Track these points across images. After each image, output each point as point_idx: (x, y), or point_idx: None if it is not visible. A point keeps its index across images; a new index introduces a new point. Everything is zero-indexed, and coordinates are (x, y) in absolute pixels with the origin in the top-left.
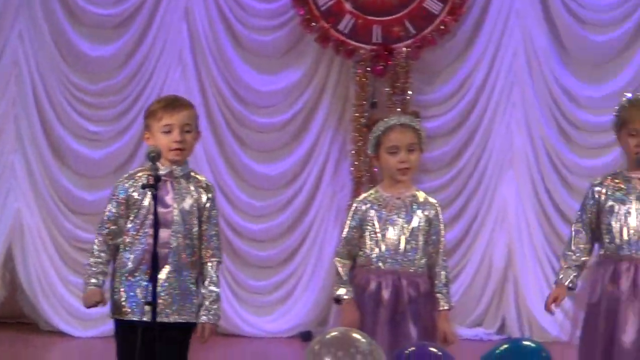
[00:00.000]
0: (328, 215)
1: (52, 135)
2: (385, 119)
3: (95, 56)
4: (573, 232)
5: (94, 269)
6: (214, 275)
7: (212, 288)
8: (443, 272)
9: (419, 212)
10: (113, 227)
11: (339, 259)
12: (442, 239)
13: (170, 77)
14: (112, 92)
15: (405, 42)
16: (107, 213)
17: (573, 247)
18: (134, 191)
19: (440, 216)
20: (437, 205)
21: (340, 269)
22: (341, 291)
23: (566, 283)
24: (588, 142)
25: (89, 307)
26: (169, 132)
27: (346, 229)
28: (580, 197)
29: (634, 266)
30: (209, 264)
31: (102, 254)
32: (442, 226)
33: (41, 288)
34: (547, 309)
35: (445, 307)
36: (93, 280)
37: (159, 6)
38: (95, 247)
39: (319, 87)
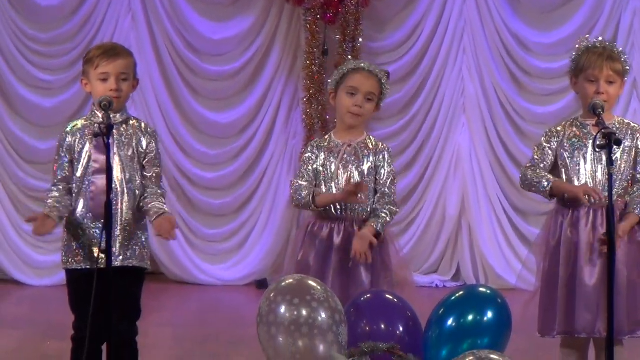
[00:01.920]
0: (281, 162)
1: (3, 84)
2: (357, 60)
3: (45, 5)
4: (530, 167)
5: (50, 203)
6: (160, 205)
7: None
8: (387, 207)
9: (370, 157)
10: (67, 173)
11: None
12: (388, 176)
13: (120, 26)
14: (63, 40)
15: None
16: (58, 162)
17: (537, 171)
18: (75, 140)
19: (388, 158)
20: (386, 148)
21: (305, 199)
22: (312, 192)
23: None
24: (539, 88)
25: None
26: (105, 79)
27: (302, 175)
28: (532, 143)
29: (593, 211)
30: (151, 197)
31: (58, 195)
32: (387, 167)
33: None
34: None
35: (373, 225)
36: (48, 211)
37: None
38: (54, 192)
39: (270, 35)
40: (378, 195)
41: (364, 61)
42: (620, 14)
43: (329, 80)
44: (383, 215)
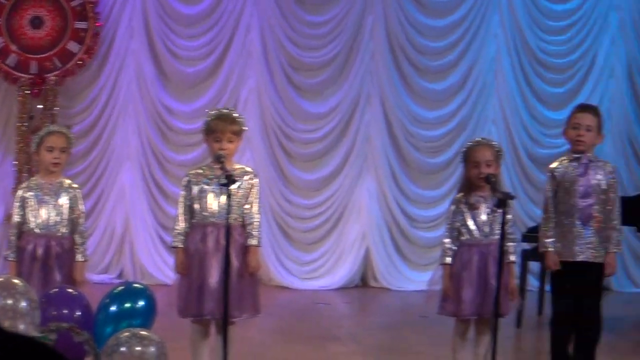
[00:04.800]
0: None
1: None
2: (48, 126)
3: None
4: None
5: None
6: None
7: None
8: (77, 235)
9: (64, 193)
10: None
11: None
12: (80, 211)
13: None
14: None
15: (54, 73)
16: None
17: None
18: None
19: (79, 196)
20: (77, 188)
21: (10, 237)
22: (9, 253)
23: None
24: (181, 140)
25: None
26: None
27: (16, 212)
28: (175, 182)
29: (217, 230)
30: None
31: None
32: (80, 202)
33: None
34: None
35: (81, 260)
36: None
37: None
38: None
39: None
40: (75, 219)
41: (56, 125)
42: (240, 90)
43: (34, 141)
44: (82, 242)
